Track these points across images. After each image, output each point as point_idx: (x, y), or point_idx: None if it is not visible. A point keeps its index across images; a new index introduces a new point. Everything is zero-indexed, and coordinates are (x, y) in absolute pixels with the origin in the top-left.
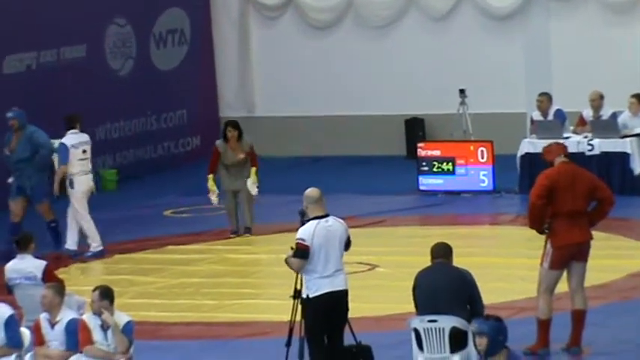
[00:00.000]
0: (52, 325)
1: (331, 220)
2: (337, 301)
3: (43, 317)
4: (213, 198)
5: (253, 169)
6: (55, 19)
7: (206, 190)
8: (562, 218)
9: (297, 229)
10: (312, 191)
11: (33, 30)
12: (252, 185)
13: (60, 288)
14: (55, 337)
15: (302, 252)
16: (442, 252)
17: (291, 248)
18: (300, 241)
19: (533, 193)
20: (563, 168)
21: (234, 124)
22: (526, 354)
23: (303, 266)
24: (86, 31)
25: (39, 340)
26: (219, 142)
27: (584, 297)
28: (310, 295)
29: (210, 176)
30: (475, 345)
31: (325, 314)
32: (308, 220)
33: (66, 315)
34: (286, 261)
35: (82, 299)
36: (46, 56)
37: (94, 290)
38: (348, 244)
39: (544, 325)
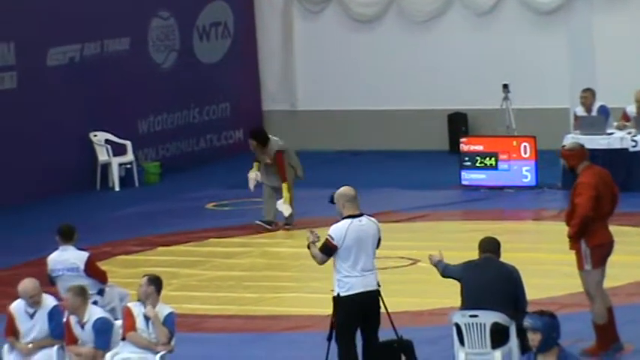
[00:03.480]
0: (82, 325)
1: (364, 219)
2: (370, 301)
3: (73, 318)
4: (250, 185)
5: (284, 186)
6: (98, 12)
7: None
8: (596, 220)
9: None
10: (346, 189)
11: (76, 23)
12: (282, 205)
13: (79, 289)
14: (87, 337)
15: (328, 249)
16: (491, 246)
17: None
18: (329, 239)
19: (586, 207)
20: (597, 172)
21: (253, 134)
22: (584, 355)
23: (324, 262)
24: (130, 24)
25: (70, 338)
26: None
27: (607, 294)
28: (341, 294)
29: (255, 164)
30: (526, 341)
31: (357, 314)
32: (342, 218)
33: (93, 314)
34: (309, 247)
35: (125, 291)
36: (89, 49)
37: (144, 276)
38: (377, 243)
39: (603, 329)
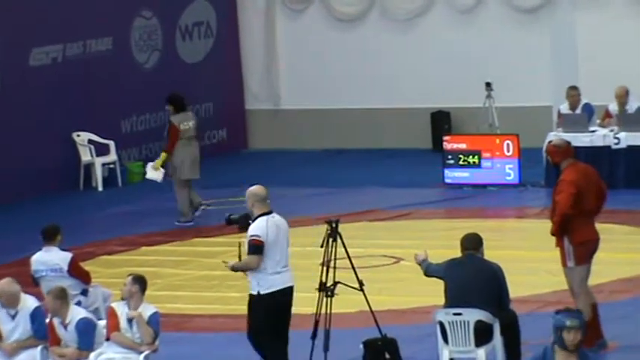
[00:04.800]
0: (65, 326)
1: (277, 216)
2: (287, 298)
3: (56, 319)
4: (157, 176)
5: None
6: (81, 12)
7: (232, 183)
8: (579, 217)
9: (325, 222)
10: (258, 189)
11: (59, 23)
12: (152, 172)
13: (58, 291)
14: (70, 337)
15: (257, 247)
16: (472, 244)
17: (239, 257)
18: (254, 238)
19: (565, 204)
20: (580, 170)
21: (170, 98)
22: None
23: (259, 263)
24: (112, 24)
25: (54, 339)
26: None
27: (591, 292)
28: (262, 292)
29: (163, 154)
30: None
31: (275, 311)
32: (254, 219)
33: (75, 315)
34: (233, 268)
35: (108, 291)
36: (72, 49)
37: (129, 275)
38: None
39: (587, 326)
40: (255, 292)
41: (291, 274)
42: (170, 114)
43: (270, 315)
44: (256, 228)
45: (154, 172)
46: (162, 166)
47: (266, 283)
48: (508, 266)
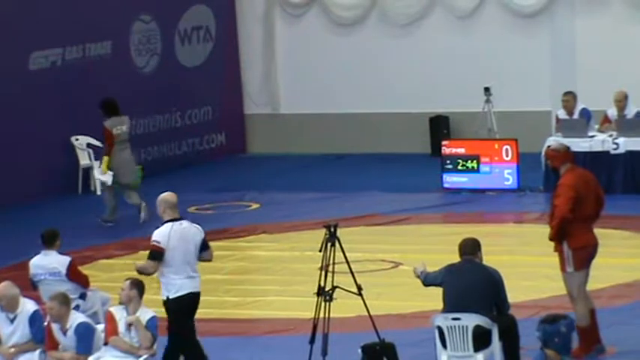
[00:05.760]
0: (64, 332)
1: (185, 223)
2: (194, 304)
3: (55, 325)
4: (106, 178)
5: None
6: (80, 16)
7: (231, 187)
8: (577, 222)
9: (324, 226)
10: (169, 195)
11: (58, 27)
12: (101, 175)
13: (64, 297)
14: (69, 343)
15: (156, 254)
16: (470, 249)
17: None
18: (155, 244)
19: (564, 208)
20: (579, 174)
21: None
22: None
23: (157, 268)
24: (111, 28)
25: (51, 344)
26: None
27: (590, 297)
28: (170, 297)
29: (105, 159)
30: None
31: (184, 315)
32: (163, 223)
33: (75, 320)
34: (139, 271)
35: (107, 295)
36: (71, 53)
37: (127, 280)
38: (205, 246)
39: (585, 332)
40: (164, 297)
41: (199, 281)
42: (103, 119)
43: (179, 319)
44: (158, 234)
45: (102, 176)
46: (109, 169)
47: (173, 287)
48: (506, 271)
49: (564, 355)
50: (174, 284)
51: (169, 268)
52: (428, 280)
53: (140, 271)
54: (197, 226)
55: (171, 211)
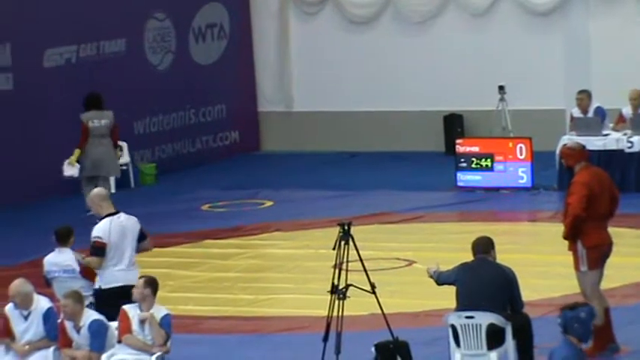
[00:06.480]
0: (78, 330)
1: (123, 215)
2: (127, 295)
3: (68, 322)
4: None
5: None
6: (94, 13)
7: (245, 185)
8: (591, 221)
9: (337, 224)
10: (100, 190)
11: (73, 24)
12: (68, 167)
13: (78, 295)
14: (82, 341)
15: (99, 249)
16: (483, 247)
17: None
18: (97, 239)
19: (577, 206)
20: (593, 173)
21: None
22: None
23: (101, 264)
24: (126, 26)
25: (64, 341)
26: None
27: (604, 296)
28: (103, 287)
29: (76, 151)
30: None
31: (115, 307)
32: (101, 218)
33: (88, 317)
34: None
35: None
36: (85, 50)
37: (140, 278)
38: (143, 236)
39: (599, 330)
40: (97, 287)
41: (137, 274)
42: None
43: (104, 309)
44: (99, 229)
45: (70, 168)
46: (77, 162)
47: (108, 278)
48: (520, 270)
49: (584, 342)
50: (112, 275)
51: (109, 260)
52: (441, 279)
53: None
54: (134, 218)
55: (107, 205)
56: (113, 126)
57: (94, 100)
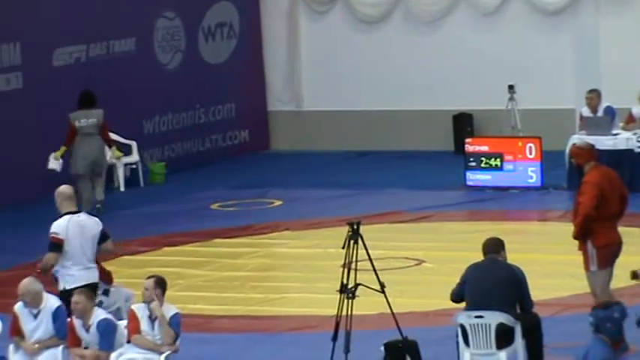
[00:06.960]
0: (87, 328)
1: (83, 215)
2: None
3: (77, 321)
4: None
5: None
6: (104, 13)
7: (254, 184)
8: (601, 220)
9: (347, 223)
10: (64, 188)
11: (82, 23)
12: (53, 162)
13: (91, 294)
14: (92, 339)
15: (55, 245)
16: (493, 247)
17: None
18: (54, 235)
19: (588, 205)
20: (603, 172)
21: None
22: None
23: (58, 260)
24: (135, 25)
25: (72, 340)
26: None
27: (614, 295)
28: (67, 287)
29: (62, 148)
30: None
31: None
32: (61, 215)
33: (97, 316)
34: (42, 268)
35: (130, 292)
36: (95, 49)
37: (149, 278)
38: (105, 237)
39: None
40: (62, 288)
41: (96, 273)
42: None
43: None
44: (56, 225)
45: (54, 163)
46: (61, 157)
47: (71, 279)
48: (530, 269)
49: (617, 341)
50: (72, 275)
51: (67, 260)
52: (454, 295)
53: (43, 268)
54: (95, 219)
55: (68, 204)
56: (102, 125)
57: (83, 99)
